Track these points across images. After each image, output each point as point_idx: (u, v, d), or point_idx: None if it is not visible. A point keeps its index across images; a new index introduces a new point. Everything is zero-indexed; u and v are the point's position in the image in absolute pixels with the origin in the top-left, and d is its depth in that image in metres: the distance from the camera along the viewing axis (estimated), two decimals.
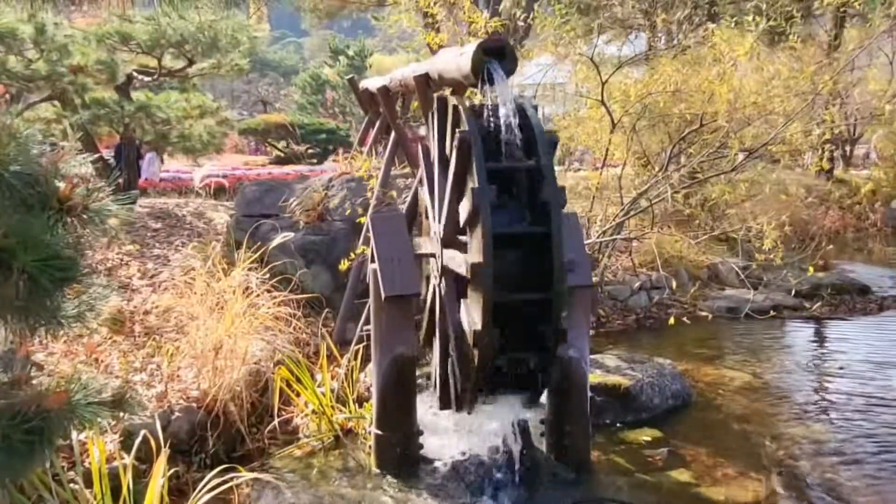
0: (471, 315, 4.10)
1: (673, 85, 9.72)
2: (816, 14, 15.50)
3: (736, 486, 4.80)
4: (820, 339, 8.93)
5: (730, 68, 9.18)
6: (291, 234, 6.61)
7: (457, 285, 4.62)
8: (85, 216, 2.35)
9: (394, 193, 7.81)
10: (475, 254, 3.91)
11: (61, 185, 2.36)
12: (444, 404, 4.85)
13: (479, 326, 3.85)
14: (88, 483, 3.98)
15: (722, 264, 10.72)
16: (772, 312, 9.08)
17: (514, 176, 4.21)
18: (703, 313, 8.83)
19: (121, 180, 10.27)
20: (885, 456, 5.31)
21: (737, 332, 8.74)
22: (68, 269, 2.36)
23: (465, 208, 4.15)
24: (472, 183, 3.91)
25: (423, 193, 5.44)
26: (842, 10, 12.80)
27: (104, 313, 3.09)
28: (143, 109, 9.88)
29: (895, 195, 17.68)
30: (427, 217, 5.43)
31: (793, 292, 8.96)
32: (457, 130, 4.10)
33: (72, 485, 3.99)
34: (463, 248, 4.40)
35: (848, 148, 21.75)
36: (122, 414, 3.05)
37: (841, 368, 7.34)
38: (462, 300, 4.40)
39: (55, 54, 8.63)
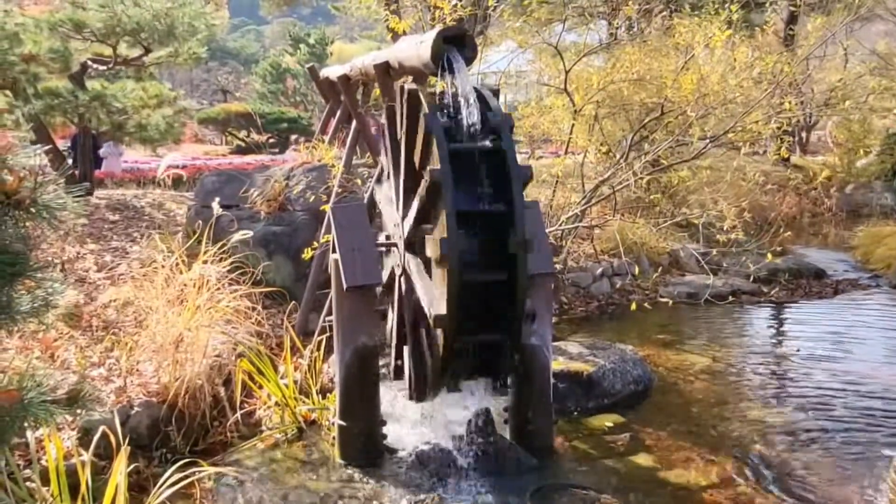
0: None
1: (635, 73, 9.80)
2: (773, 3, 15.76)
3: (696, 469, 4.87)
4: (778, 323, 9.11)
5: (691, 59, 9.29)
6: (250, 234, 6.52)
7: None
8: (33, 210, 2.29)
9: (359, 181, 7.77)
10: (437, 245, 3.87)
11: (8, 178, 2.30)
12: (409, 393, 4.85)
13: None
14: (46, 481, 3.90)
15: (682, 250, 10.85)
16: (731, 298, 9.23)
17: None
18: (664, 299, 8.93)
19: (77, 171, 10.07)
20: (842, 437, 5.43)
21: (697, 317, 8.87)
22: (17, 263, 2.31)
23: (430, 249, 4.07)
24: (442, 233, 3.79)
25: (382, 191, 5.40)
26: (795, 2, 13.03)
27: (60, 308, 3.03)
28: (99, 99, 9.65)
29: (849, 180, 18.05)
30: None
31: (751, 278, 9.10)
32: (428, 167, 3.97)
33: (28, 483, 3.92)
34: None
35: (804, 134, 22.15)
36: (78, 410, 3.00)
37: (798, 351, 7.48)
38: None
39: (6, 43, 8.38)
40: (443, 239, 3.69)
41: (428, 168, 3.90)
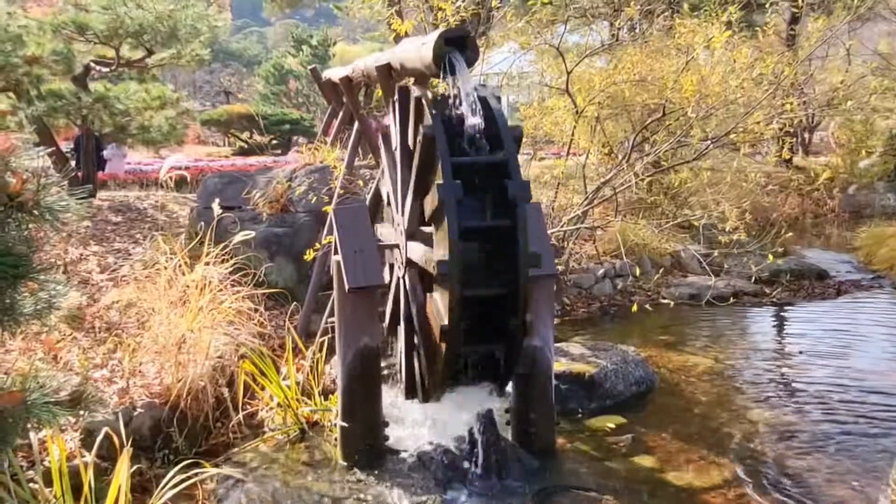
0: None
1: (637, 74, 9.80)
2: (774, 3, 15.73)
3: (698, 471, 4.87)
4: (780, 324, 9.10)
5: (692, 60, 9.28)
6: (252, 235, 6.53)
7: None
8: (36, 212, 2.30)
9: (361, 182, 7.78)
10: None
11: (11, 180, 2.31)
12: (410, 394, 4.88)
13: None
14: (49, 482, 3.91)
15: (684, 252, 10.85)
16: (733, 299, 9.22)
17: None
18: (666, 300, 8.93)
19: (79, 173, 10.09)
20: (844, 438, 5.41)
21: (699, 318, 8.86)
22: (20, 265, 2.31)
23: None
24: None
25: (385, 184, 5.42)
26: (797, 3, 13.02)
27: (63, 309, 3.04)
28: (102, 101, 9.69)
29: (852, 181, 18.03)
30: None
31: (753, 279, 9.11)
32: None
33: (31, 484, 3.93)
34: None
35: (806, 135, 22.12)
36: (81, 412, 3.00)
37: (801, 353, 7.48)
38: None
39: (9, 45, 8.41)
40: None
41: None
